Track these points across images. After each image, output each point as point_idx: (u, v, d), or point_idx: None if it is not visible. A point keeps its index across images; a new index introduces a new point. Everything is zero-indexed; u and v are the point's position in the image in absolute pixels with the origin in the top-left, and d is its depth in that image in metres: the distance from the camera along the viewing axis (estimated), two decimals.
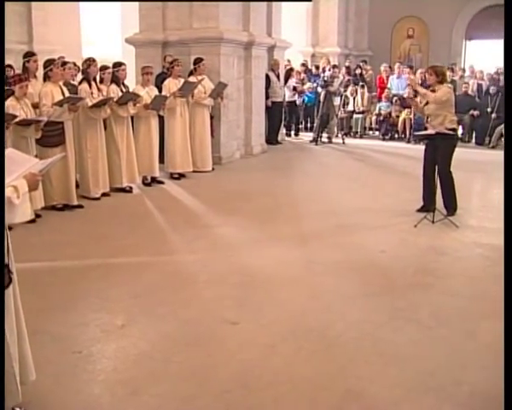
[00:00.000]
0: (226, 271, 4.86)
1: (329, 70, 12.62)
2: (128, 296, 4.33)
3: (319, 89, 12.54)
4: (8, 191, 2.43)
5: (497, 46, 14.91)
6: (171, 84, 8.37)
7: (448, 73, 13.02)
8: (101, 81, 7.41)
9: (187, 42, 9.47)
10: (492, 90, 12.33)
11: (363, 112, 13.58)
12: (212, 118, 9.26)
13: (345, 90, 13.31)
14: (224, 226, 6.23)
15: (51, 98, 6.43)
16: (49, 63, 6.58)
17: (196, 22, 9.44)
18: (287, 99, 12.77)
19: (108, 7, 13.35)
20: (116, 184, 7.60)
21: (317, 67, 14.46)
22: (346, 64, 15.23)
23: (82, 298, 4.30)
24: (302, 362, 3.40)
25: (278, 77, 11.75)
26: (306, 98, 13.73)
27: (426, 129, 6.72)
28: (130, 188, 7.76)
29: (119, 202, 7.30)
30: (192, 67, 8.93)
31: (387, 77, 13.93)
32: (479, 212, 7.03)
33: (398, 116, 12.83)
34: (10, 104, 5.90)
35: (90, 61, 7.29)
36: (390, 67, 14.39)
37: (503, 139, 11.70)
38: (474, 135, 12.64)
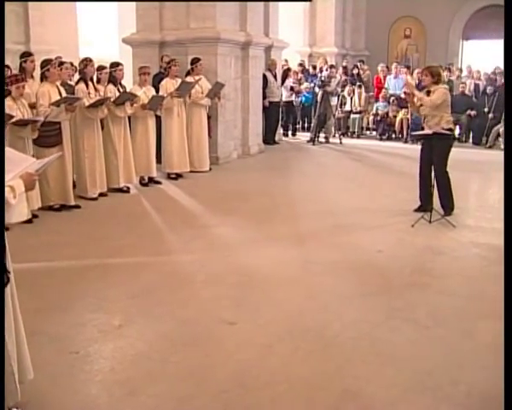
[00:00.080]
0: (223, 271, 4.86)
1: (327, 70, 12.62)
2: (125, 297, 4.33)
3: (316, 89, 12.54)
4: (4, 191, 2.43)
5: (494, 46, 14.95)
6: (169, 85, 8.37)
7: (445, 73, 13.12)
8: (98, 81, 7.40)
9: (184, 42, 9.47)
10: (489, 90, 12.36)
11: (360, 112, 13.59)
12: (209, 118, 9.26)
13: (342, 90, 13.33)
14: (221, 226, 6.23)
15: (48, 98, 6.42)
16: (46, 63, 6.57)
17: (193, 22, 9.44)
18: (284, 99, 12.78)
19: (105, 7, 13.32)
20: (113, 185, 7.59)
21: (315, 67, 14.47)
22: (344, 64, 15.25)
23: (79, 298, 4.30)
24: (299, 362, 3.40)
25: (275, 77, 11.76)
26: (304, 98, 13.74)
27: (423, 129, 6.73)
28: (128, 188, 7.76)
29: (117, 202, 7.29)
30: (189, 67, 8.93)
31: (384, 77, 13.95)
32: (476, 212, 7.04)
33: (395, 116, 12.84)
34: (7, 104, 5.87)
35: (86, 61, 7.28)
36: (387, 67, 14.40)
37: (500, 139, 11.74)
38: (471, 135, 12.66)
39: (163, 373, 3.26)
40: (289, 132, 13.51)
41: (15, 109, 5.96)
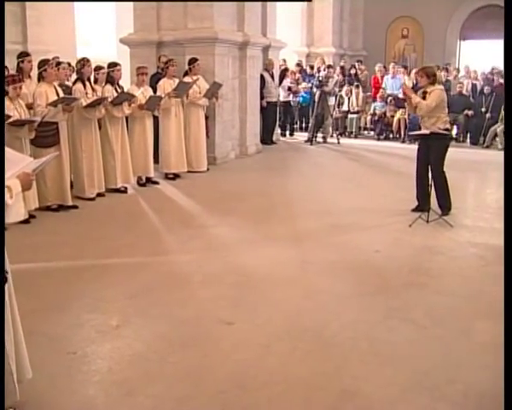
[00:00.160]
0: (221, 271, 4.86)
1: (324, 70, 12.63)
2: (123, 297, 4.32)
3: (314, 89, 12.55)
4: None
5: (491, 46, 14.98)
6: (166, 85, 8.36)
7: (443, 73, 13.16)
8: (96, 81, 7.39)
9: (181, 42, 9.47)
10: (487, 90, 12.38)
11: (357, 112, 13.60)
12: (206, 118, 9.26)
13: (339, 90, 13.33)
14: (218, 226, 6.23)
15: (45, 99, 6.41)
16: (43, 63, 6.56)
17: (191, 22, 9.44)
18: (281, 99, 12.79)
19: (103, 7, 13.33)
20: (111, 185, 7.58)
21: (312, 67, 14.48)
22: (341, 64, 15.26)
23: (77, 299, 4.29)
24: (297, 362, 3.40)
25: (273, 77, 11.75)
26: (301, 98, 13.74)
27: (420, 129, 6.74)
28: (125, 188, 7.75)
29: (114, 202, 7.28)
30: (187, 67, 8.93)
31: (382, 77, 13.96)
32: (473, 211, 7.04)
33: (392, 116, 12.85)
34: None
35: (83, 62, 7.27)
36: (385, 67, 14.42)
37: (497, 139, 11.76)
38: (468, 135, 12.68)
39: (161, 374, 3.26)
40: (287, 132, 13.52)
41: (12, 109, 5.95)
